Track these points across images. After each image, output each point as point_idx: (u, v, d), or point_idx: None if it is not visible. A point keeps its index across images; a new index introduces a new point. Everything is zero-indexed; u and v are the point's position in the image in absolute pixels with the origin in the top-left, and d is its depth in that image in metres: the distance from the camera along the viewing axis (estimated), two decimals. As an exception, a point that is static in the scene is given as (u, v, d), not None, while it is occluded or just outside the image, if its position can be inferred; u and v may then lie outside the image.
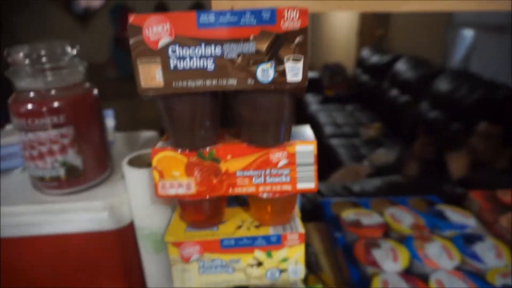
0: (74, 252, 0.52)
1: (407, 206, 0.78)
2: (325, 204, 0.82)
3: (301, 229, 0.42)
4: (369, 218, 0.72)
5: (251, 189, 0.40)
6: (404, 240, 0.66)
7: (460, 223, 0.70)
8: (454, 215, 0.73)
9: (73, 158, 0.49)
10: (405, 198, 0.82)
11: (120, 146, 0.66)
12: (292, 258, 0.43)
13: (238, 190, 0.40)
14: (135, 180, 0.46)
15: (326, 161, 1.93)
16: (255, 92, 0.34)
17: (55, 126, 0.46)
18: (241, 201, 0.49)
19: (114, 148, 0.65)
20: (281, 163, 0.39)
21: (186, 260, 0.42)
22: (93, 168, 0.52)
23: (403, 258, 0.61)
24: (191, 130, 0.37)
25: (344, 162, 1.81)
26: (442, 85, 1.71)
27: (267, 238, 0.41)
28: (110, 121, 0.69)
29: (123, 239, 0.52)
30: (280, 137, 0.38)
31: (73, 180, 0.50)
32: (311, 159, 0.39)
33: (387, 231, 0.70)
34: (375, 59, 2.49)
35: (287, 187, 0.40)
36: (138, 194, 0.47)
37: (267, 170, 0.39)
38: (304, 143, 0.39)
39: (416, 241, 0.65)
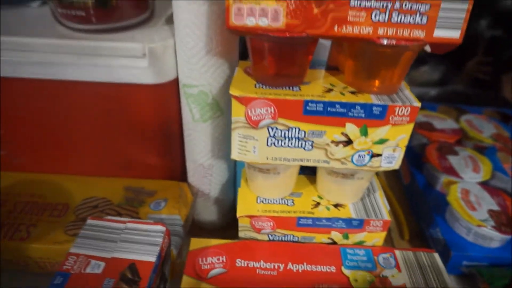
0: (101, 107, 0.42)
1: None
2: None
3: (416, 102, 0.31)
4: (442, 122, 0.61)
5: (366, 30, 0.27)
6: (485, 150, 0.55)
7: (552, 141, 0.60)
8: (545, 131, 0.62)
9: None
10: (478, 108, 0.70)
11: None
12: (393, 140, 0.32)
13: (347, 30, 0.27)
14: (186, 15, 0.34)
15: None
16: None
17: None
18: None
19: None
20: (421, -7, 0.26)
21: (254, 124, 0.32)
22: (128, 3, 0.39)
23: (485, 169, 0.51)
24: None
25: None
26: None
27: (367, 109, 0.30)
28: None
29: (164, 97, 0.42)
30: None
31: (104, 13, 0.38)
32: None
33: (462, 139, 0.59)
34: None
35: (420, 33, 0.27)
36: (189, 36, 0.35)
37: (396, 3, 0.26)
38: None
39: (500, 153, 0.55)
